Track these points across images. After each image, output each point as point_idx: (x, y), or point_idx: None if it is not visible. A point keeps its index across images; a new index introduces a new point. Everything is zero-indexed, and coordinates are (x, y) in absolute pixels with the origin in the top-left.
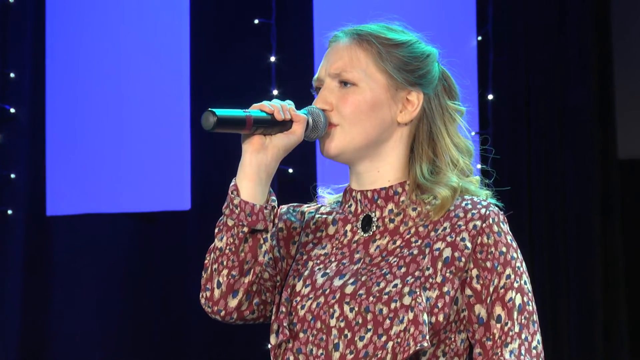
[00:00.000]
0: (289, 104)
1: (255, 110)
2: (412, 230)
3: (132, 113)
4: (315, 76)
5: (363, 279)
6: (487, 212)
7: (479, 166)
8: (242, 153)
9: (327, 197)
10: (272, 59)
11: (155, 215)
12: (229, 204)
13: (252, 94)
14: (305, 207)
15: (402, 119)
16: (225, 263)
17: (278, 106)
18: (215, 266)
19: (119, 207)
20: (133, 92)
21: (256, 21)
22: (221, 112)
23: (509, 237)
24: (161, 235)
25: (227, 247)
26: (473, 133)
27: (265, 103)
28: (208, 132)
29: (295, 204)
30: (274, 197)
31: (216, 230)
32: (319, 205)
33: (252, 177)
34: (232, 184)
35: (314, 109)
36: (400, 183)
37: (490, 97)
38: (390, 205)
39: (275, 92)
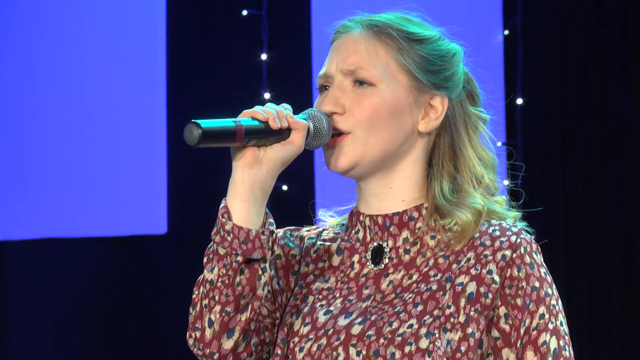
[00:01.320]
0: (285, 109)
1: (246, 118)
2: (431, 262)
3: (98, 123)
4: (322, 72)
5: (373, 318)
6: (518, 240)
7: (505, 182)
8: (233, 169)
9: (329, 220)
10: (263, 56)
11: (126, 240)
12: (220, 230)
13: (240, 99)
14: (304, 231)
15: (424, 127)
16: (217, 298)
17: (273, 112)
18: (205, 302)
19: (84, 230)
20: (100, 98)
21: (244, 12)
22: (207, 123)
23: (543, 270)
24: (133, 263)
25: (219, 280)
26: (499, 144)
27: (257, 109)
28: (191, 147)
29: (293, 227)
30: (271, 220)
31: (205, 260)
32: (320, 229)
33: (245, 197)
34: (221, 205)
35: (314, 112)
36: (417, 207)
37: (518, 101)
38: (405, 233)
39: (266, 95)
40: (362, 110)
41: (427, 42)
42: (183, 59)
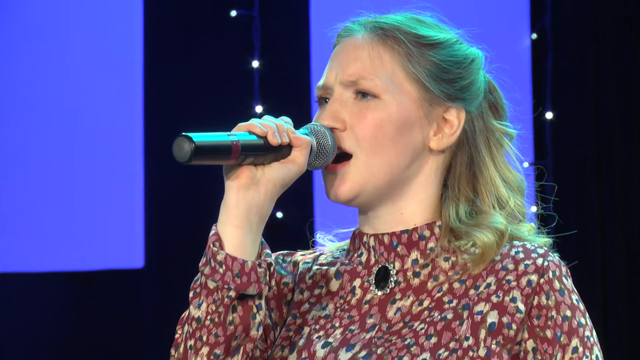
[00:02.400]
0: (286, 123)
1: (243, 132)
2: (445, 287)
3: (67, 145)
4: (321, 82)
5: (379, 351)
6: (546, 263)
7: (534, 209)
8: (226, 190)
9: (329, 245)
10: (255, 63)
11: (96, 275)
12: (210, 260)
13: (228, 113)
14: (298, 256)
15: (437, 144)
16: (205, 338)
17: (272, 126)
18: (191, 342)
19: (50, 264)
20: (70, 116)
21: (233, 13)
22: (200, 137)
23: (575, 297)
24: (105, 301)
25: (208, 317)
26: (526, 164)
27: (255, 122)
28: (183, 165)
29: (285, 252)
30: (268, 251)
31: (191, 295)
32: (317, 253)
33: (239, 223)
34: (212, 232)
35: (317, 127)
36: (428, 225)
37: (548, 115)
38: (415, 254)
39: (258, 108)
40: (364, 127)
41: (440, 46)
42: (161, 67)
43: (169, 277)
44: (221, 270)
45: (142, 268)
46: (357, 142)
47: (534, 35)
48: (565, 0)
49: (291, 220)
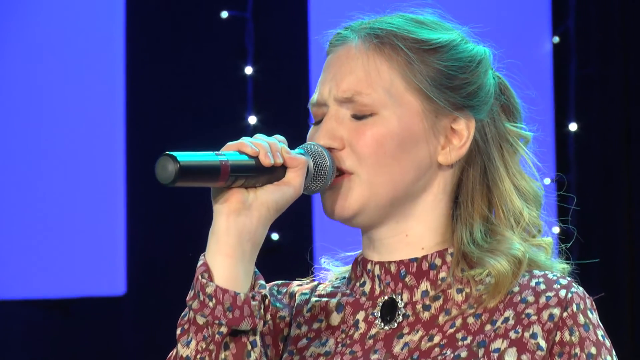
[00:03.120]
0: (280, 143)
1: (232, 152)
2: (458, 321)
3: (43, 162)
4: (314, 98)
5: None
6: (569, 296)
7: (555, 230)
8: (215, 216)
9: (333, 270)
10: (248, 70)
11: (72, 303)
12: (198, 293)
13: (219, 123)
14: (295, 286)
15: (445, 159)
16: None
17: (264, 145)
18: None
19: (22, 291)
20: (47, 131)
21: (224, 14)
22: (185, 156)
23: (601, 333)
24: (83, 331)
25: (198, 356)
26: (547, 180)
27: (245, 141)
28: (166, 187)
29: (280, 282)
30: (262, 282)
31: (178, 332)
32: (316, 282)
33: (230, 252)
34: (200, 262)
35: (314, 147)
36: (439, 252)
37: (572, 127)
38: (425, 285)
39: (251, 119)
40: (364, 145)
41: (443, 50)
42: (144, 75)
43: (152, 306)
44: (211, 304)
45: (123, 295)
46: (358, 160)
47: (556, 39)
48: (589, 1)
49: (288, 243)
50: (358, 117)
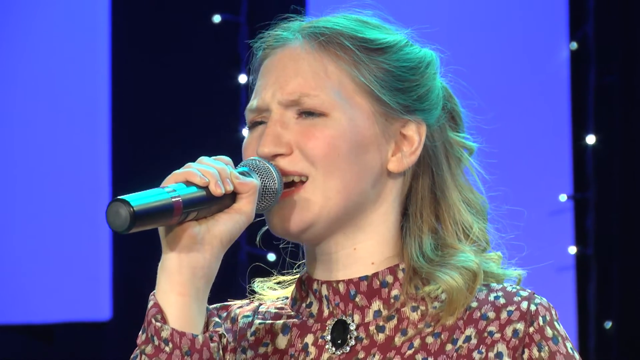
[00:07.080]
0: (227, 166)
1: (180, 184)
2: (416, 342)
3: (26, 180)
4: (253, 104)
5: None
6: (533, 308)
7: (572, 250)
8: (164, 251)
9: (268, 294)
10: (242, 78)
11: (55, 329)
12: (153, 338)
13: (211, 136)
14: (236, 309)
15: (395, 166)
16: None
17: (214, 173)
18: None
19: (3, 316)
20: (32, 144)
21: (217, 18)
22: (137, 199)
23: (569, 345)
24: (67, 356)
25: None
26: (564, 197)
27: (193, 170)
28: (120, 234)
29: (219, 305)
30: (216, 319)
31: None
32: (257, 303)
33: (184, 290)
34: (150, 303)
35: (256, 162)
36: (390, 268)
37: (590, 140)
38: (377, 304)
39: (246, 131)
40: (315, 146)
41: (391, 50)
42: (130, 84)
43: (138, 331)
44: (167, 349)
45: (108, 321)
46: (310, 163)
47: (574, 45)
48: (610, 4)
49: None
50: (306, 115)
